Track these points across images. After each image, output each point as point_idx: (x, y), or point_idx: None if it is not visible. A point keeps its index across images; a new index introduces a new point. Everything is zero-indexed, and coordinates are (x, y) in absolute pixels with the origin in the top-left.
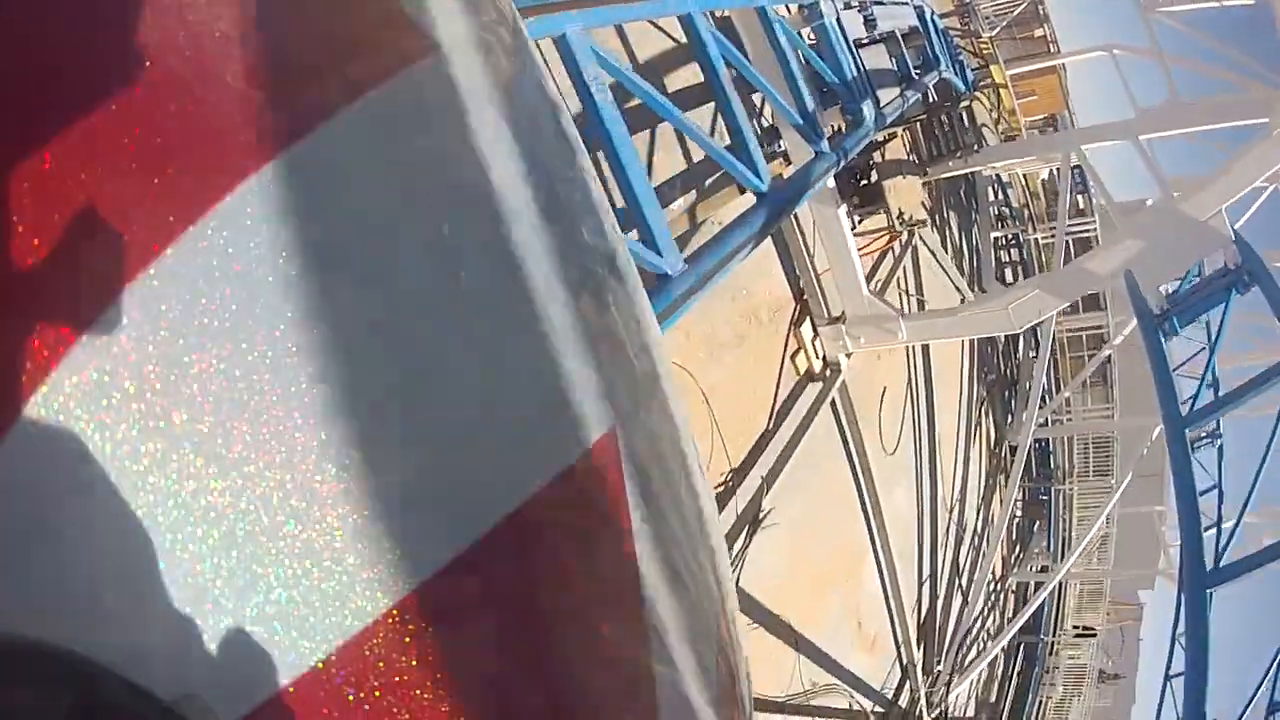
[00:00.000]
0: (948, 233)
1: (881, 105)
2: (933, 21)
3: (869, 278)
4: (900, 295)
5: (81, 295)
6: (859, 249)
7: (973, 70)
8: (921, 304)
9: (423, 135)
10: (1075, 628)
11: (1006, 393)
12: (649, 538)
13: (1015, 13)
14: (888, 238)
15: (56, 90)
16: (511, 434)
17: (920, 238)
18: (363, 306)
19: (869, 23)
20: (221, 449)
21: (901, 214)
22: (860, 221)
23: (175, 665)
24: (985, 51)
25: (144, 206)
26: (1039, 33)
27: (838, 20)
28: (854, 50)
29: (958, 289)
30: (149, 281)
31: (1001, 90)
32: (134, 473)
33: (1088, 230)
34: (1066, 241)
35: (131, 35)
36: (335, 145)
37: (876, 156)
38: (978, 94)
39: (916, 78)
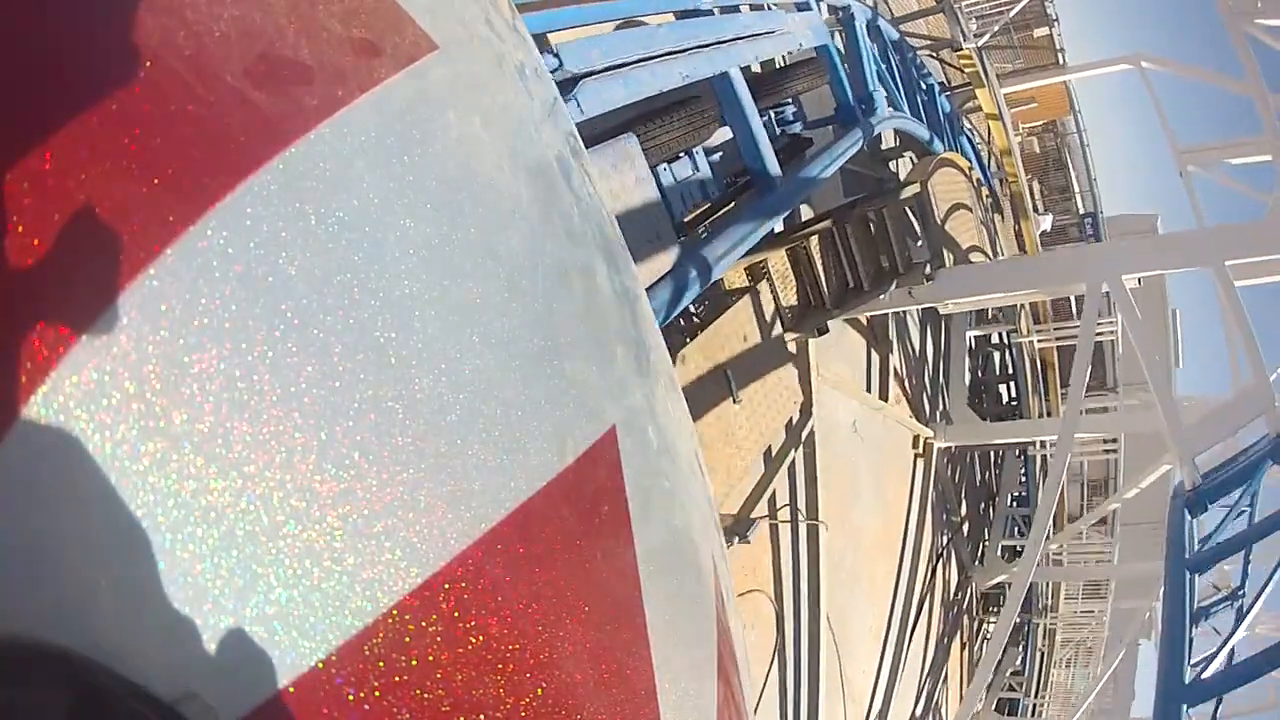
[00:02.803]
0: (905, 338)
1: None
2: (871, 31)
3: None
4: (793, 487)
5: (81, 295)
6: None
7: (949, 94)
8: (812, 504)
9: (423, 134)
10: None
11: (983, 504)
12: (649, 539)
13: (1013, 11)
14: None
15: (56, 90)
16: (512, 433)
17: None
18: (363, 306)
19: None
20: (221, 449)
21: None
22: None
23: (175, 665)
24: (969, 68)
25: (144, 206)
26: (1040, 33)
27: None
28: None
29: (904, 425)
30: (149, 281)
31: (991, 123)
32: (134, 473)
33: (1107, 333)
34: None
35: (131, 35)
36: (336, 144)
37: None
38: (964, 147)
39: (775, 181)
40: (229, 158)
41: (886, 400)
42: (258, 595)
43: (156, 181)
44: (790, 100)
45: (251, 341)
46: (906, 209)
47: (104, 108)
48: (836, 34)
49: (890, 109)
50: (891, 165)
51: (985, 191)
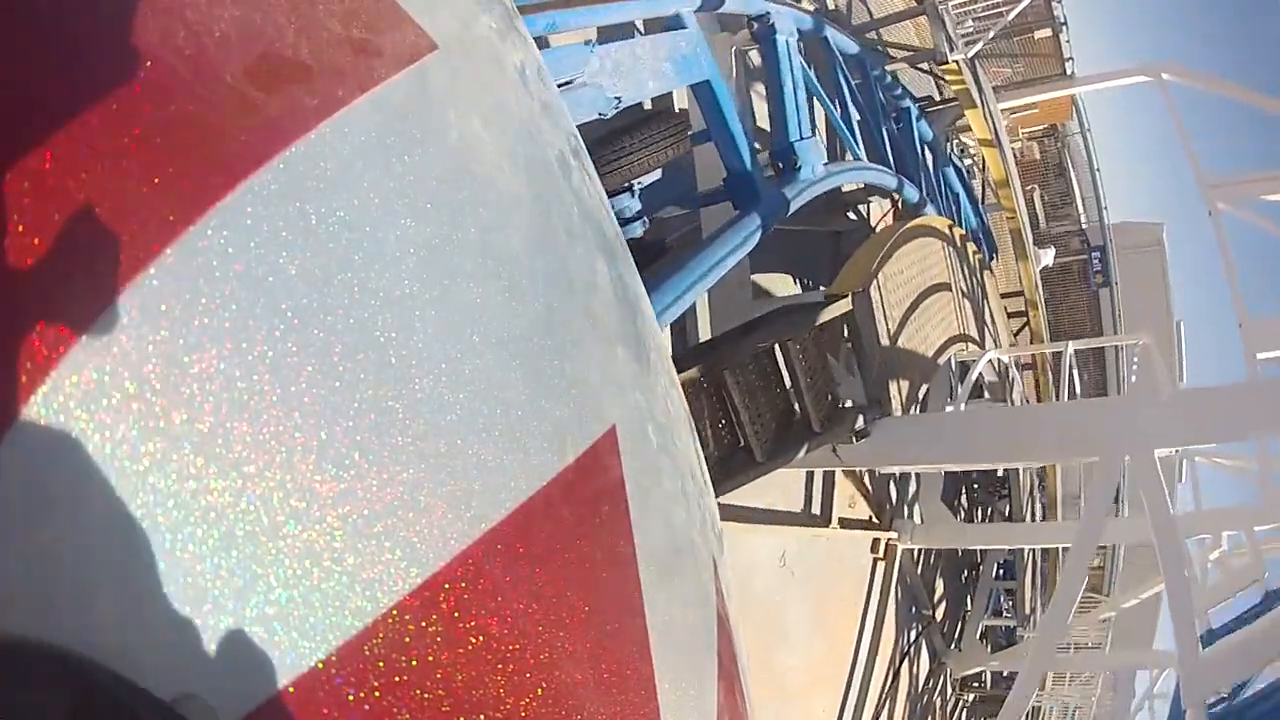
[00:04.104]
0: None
1: None
2: (812, 46)
3: None
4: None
5: (81, 295)
6: None
7: (939, 109)
8: None
9: (423, 134)
10: None
11: (965, 574)
12: (650, 539)
13: (1013, 12)
14: None
15: (56, 90)
16: (512, 433)
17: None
18: (363, 306)
19: None
20: (221, 449)
21: None
22: None
23: (175, 665)
24: (957, 85)
25: (144, 206)
26: (1041, 34)
27: None
28: None
29: (857, 535)
30: (149, 281)
31: (985, 150)
32: (134, 473)
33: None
34: None
35: (131, 35)
36: (336, 144)
37: None
38: (949, 180)
39: None
40: (229, 157)
41: (829, 523)
42: (258, 595)
43: (156, 181)
44: (631, 185)
45: (252, 341)
46: (833, 331)
47: (104, 108)
48: (742, 59)
49: (835, 161)
50: (861, 208)
51: (974, 249)
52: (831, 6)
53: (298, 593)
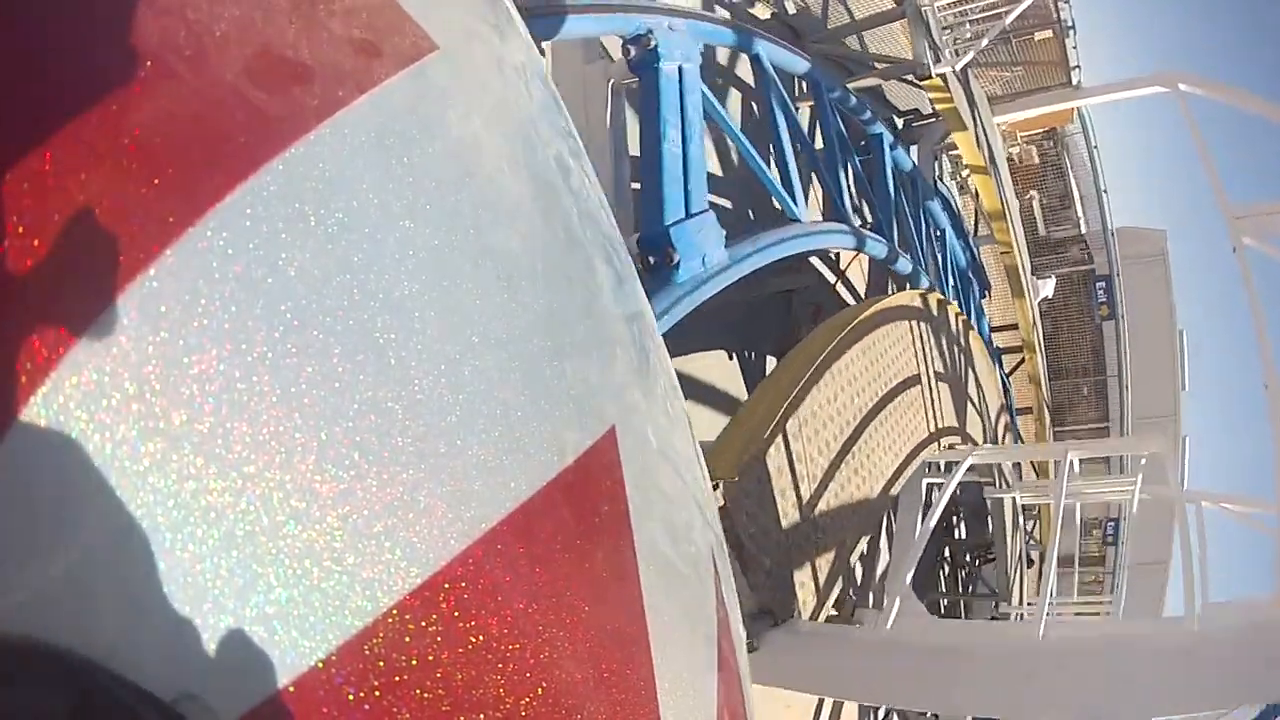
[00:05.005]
0: None
1: None
2: (751, 61)
3: None
4: None
5: (81, 295)
6: None
7: (913, 124)
8: None
9: (423, 134)
10: None
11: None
12: (649, 539)
13: (1012, 15)
14: None
15: (56, 90)
16: (512, 433)
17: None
18: (363, 307)
19: None
20: (221, 449)
21: None
22: None
23: (175, 665)
24: (943, 104)
25: (144, 206)
26: (1042, 36)
27: None
28: None
29: None
30: (149, 281)
31: (978, 177)
32: (134, 473)
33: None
34: None
35: (131, 35)
36: (336, 145)
37: None
38: (933, 214)
39: None
40: (229, 158)
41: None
42: (258, 595)
43: (156, 182)
44: None
45: (251, 342)
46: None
47: (104, 108)
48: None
49: (734, 246)
50: (831, 254)
51: (956, 311)
52: (793, 11)
53: (298, 592)
